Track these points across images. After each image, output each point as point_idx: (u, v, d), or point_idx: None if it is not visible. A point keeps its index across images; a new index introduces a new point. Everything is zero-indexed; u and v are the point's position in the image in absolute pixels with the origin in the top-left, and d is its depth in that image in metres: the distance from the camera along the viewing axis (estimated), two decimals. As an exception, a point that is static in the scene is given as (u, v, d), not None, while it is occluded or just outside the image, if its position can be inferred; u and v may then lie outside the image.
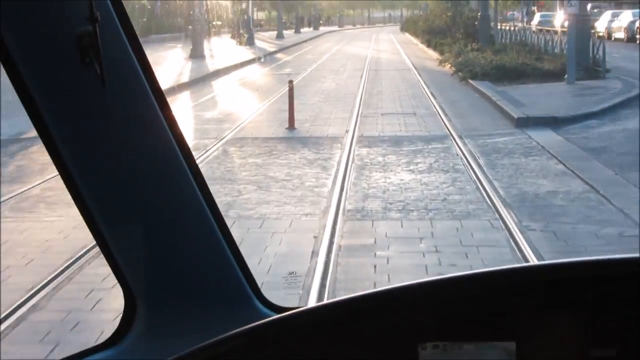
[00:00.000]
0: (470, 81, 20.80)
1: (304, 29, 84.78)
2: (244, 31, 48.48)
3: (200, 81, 23.84)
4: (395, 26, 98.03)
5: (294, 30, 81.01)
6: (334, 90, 21.49)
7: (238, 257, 1.56)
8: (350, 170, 10.14)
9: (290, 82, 15.12)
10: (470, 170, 9.94)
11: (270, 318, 1.36)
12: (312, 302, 5.42)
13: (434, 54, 34.10)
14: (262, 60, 33.44)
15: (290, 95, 14.38)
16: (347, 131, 13.58)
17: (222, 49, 42.66)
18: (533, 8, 61.47)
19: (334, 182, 9.46)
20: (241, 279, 1.56)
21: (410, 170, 10.19)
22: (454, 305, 1.32)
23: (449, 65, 25.65)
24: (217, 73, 26.47)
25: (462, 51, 27.31)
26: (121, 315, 1.57)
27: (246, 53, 37.18)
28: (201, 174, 1.52)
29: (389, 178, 9.71)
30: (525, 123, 13.79)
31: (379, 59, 34.43)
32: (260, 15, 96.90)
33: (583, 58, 20.56)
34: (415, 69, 27.32)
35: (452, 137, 12.69)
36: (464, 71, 21.95)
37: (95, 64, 1.33)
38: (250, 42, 47.30)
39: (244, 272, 1.57)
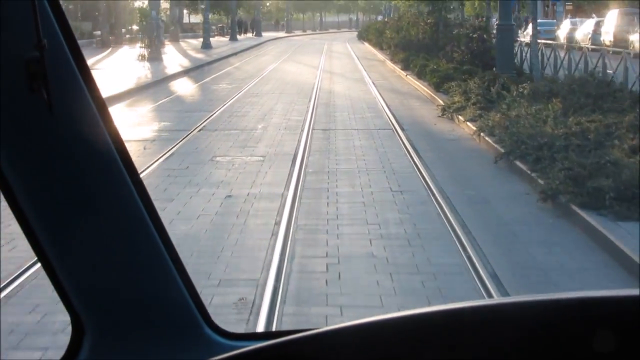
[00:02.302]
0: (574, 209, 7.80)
1: (245, 36, 71.57)
2: (152, 40, 35.17)
3: None
4: (351, 33, 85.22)
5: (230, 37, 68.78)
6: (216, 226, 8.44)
7: (187, 281, 1.53)
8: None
9: None
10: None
11: (230, 354, 1.29)
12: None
13: (421, 87, 21.20)
14: (144, 148, 20.14)
15: None
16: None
17: (110, 64, 29.75)
18: (527, 17, 48.33)
19: None
20: (190, 304, 1.53)
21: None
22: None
23: (480, 132, 12.64)
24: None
25: (492, 100, 14.48)
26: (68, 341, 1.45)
27: (118, 81, 23.75)
28: (150, 198, 1.48)
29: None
30: None
31: (333, 96, 21.32)
32: (195, 18, 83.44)
33: None
34: (402, 128, 14.27)
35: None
36: (553, 185, 8.55)
37: (42, 90, 1.32)
38: (155, 57, 34.04)
39: (193, 297, 1.54)
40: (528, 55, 20.83)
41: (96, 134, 1.41)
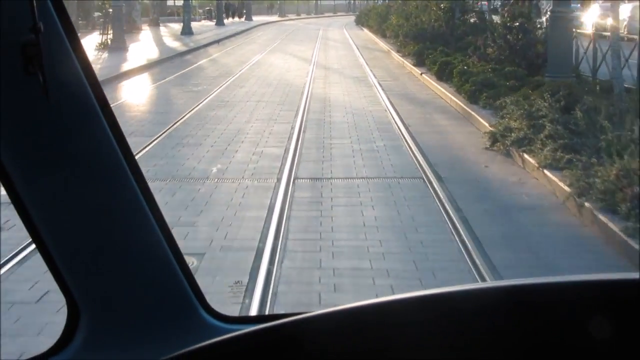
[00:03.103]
0: None
1: (234, 20, 66.04)
2: (116, 27, 29.74)
3: None
4: (348, 17, 79.62)
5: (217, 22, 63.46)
6: None
7: (183, 265, 1.53)
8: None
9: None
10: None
11: (229, 336, 1.31)
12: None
13: (445, 94, 15.85)
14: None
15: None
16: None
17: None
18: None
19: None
20: (186, 288, 1.53)
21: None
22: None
23: (581, 201, 7.27)
24: None
25: (580, 132, 9.20)
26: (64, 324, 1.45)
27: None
28: (145, 182, 1.47)
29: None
30: None
31: (329, 106, 16.01)
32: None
33: None
34: (438, 176, 8.96)
35: None
36: None
37: (38, 74, 1.31)
38: (118, 46, 28.64)
39: (189, 281, 1.54)
40: (587, 51, 15.45)
41: (92, 117, 1.40)
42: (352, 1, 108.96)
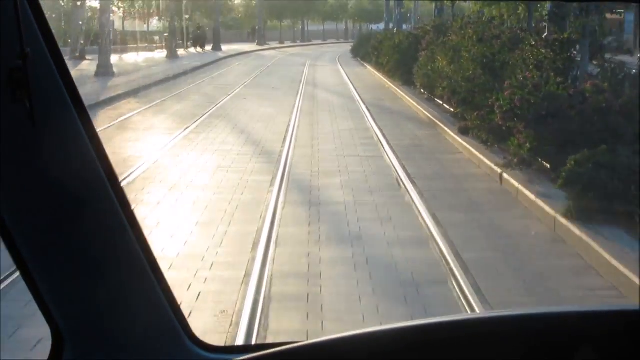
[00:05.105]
0: None
1: (196, 50, 51.82)
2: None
3: None
4: (340, 46, 65.43)
5: (184, 49, 49.83)
6: None
7: (168, 293, 1.52)
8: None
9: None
10: None
11: None
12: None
13: None
14: None
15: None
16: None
17: None
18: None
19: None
20: (171, 316, 1.53)
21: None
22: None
23: None
24: None
25: None
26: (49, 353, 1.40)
27: None
28: (131, 209, 1.46)
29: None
30: None
31: None
32: (139, 25, 63.06)
33: None
34: None
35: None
36: None
37: (25, 101, 1.32)
38: None
39: (174, 309, 1.53)
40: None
41: (78, 144, 1.39)
42: (345, 27, 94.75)
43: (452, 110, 15.41)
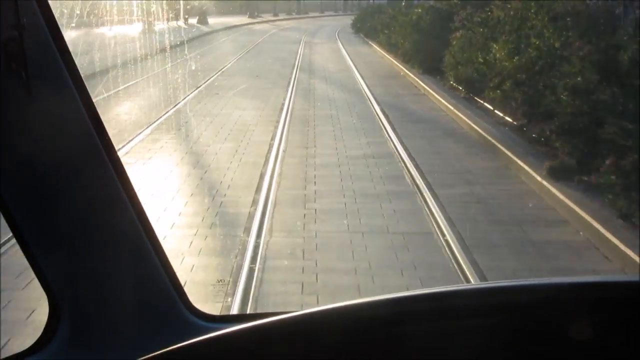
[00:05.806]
0: None
1: (178, 24, 46.27)
2: None
3: None
4: (339, 20, 59.93)
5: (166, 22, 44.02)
6: None
7: (166, 264, 1.50)
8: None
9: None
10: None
11: (209, 336, 1.26)
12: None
13: None
14: None
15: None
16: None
17: None
18: None
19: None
20: (169, 287, 1.50)
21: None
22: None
23: None
24: None
25: None
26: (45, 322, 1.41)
27: None
28: (128, 179, 1.42)
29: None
30: None
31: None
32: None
33: None
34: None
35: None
36: None
37: (21, 71, 1.29)
38: None
39: (172, 280, 1.51)
40: None
41: (75, 115, 1.37)
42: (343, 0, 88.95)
43: (510, 120, 10.31)
